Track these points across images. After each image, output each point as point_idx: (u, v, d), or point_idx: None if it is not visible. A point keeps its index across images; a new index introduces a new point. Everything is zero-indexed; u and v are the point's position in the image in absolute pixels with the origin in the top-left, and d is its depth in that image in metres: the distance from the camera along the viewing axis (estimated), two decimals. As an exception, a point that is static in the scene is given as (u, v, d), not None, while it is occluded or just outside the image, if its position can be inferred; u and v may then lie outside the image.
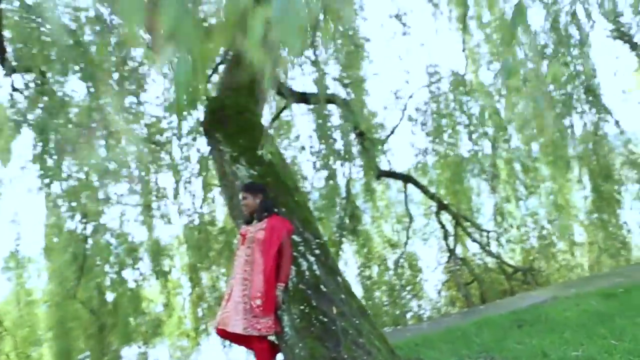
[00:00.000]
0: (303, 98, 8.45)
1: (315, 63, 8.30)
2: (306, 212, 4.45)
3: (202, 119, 6.35)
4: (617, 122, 8.73)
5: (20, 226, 8.86)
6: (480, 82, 9.52)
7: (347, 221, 9.42)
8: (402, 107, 9.69)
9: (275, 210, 3.88)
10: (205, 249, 9.07)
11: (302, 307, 3.56)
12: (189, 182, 8.87)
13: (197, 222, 9.03)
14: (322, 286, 3.73)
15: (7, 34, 6.50)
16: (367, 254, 9.84)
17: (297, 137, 9.53)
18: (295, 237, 3.90)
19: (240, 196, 3.92)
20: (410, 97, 9.73)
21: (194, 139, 8.54)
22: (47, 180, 7.30)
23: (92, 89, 7.21)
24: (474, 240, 9.62)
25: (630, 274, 6.86)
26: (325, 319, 3.50)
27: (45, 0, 6.16)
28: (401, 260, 9.78)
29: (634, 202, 9.12)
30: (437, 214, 9.64)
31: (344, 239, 9.44)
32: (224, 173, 4.70)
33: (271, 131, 7.75)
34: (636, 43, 8.79)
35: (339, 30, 8.28)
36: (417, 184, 9.78)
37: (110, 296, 8.66)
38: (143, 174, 8.76)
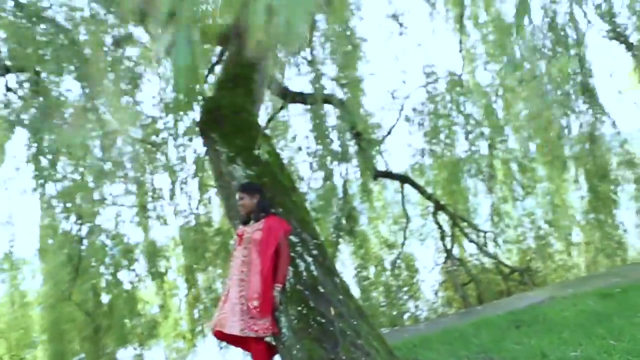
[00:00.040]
0: (300, 98, 8.43)
1: (311, 63, 8.29)
2: (303, 213, 4.42)
3: (198, 119, 6.33)
4: (613, 123, 8.75)
5: (14, 227, 8.77)
6: (477, 83, 9.52)
7: (344, 222, 9.39)
8: (399, 107, 9.68)
9: (273, 210, 3.86)
10: (202, 250, 9.02)
11: (299, 308, 3.53)
12: (185, 183, 8.83)
13: (193, 223, 8.98)
14: (319, 287, 3.70)
15: (1, 33, 6.44)
16: (364, 255, 9.80)
17: (294, 138, 9.51)
18: (293, 238, 3.88)
19: (237, 196, 3.90)
20: (407, 97, 9.73)
21: (190, 140, 8.49)
22: (41, 181, 7.24)
23: (86, 89, 7.17)
24: (471, 241, 9.61)
25: (627, 274, 6.87)
26: (323, 320, 3.47)
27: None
28: (398, 261, 9.75)
29: (630, 202, 9.13)
30: (434, 214, 9.63)
31: (340, 240, 9.40)
32: (220, 173, 4.67)
33: (267, 131, 7.71)
34: (632, 44, 8.81)
35: (335, 30, 8.27)
36: (414, 184, 9.77)
37: (105, 298, 8.59)
38: (139, 174, 8.72)
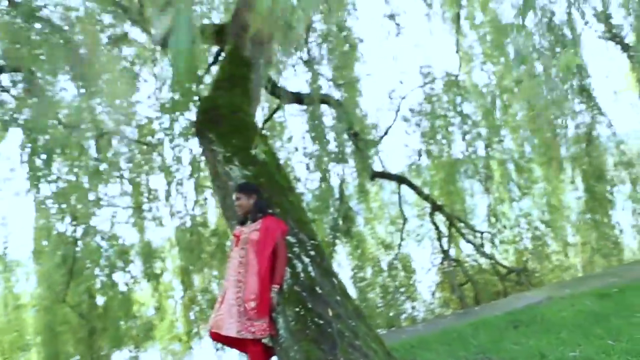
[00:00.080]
0: (296, 98, 8.41)
1: (308, 63, 8.27)
2: (301, 213, 4.39)
3: (194, 119, 6.29)
4: (609, 123, 8.78)
5: (8, 229, 8.70)
6: (474, 84, 9.54)
7: (341, 223, 9.37)
8: (396, 107, 9.67)
9: (270, 211, 3.82)
10: (198, 251, 8.97)
11: (297, 309, 3.49)
12: (181, 184, 8.78)
13: (189, 224, 8.93)
14: (317, 288, 3.66)
15: (-6, 32, 6.38)
16: (361, 256, 9.78)
17: (290, 139, 9.48)
18: (290, 238, 3.84)
19: (234, 197, 3.86)
20: (404, 98, 9.71)
21: (186, 140, 8.45)
22: (36, 182, 7.17)
23: (82, 89, 7.12)
24: (468, 241, 9.61)
25: (623, 274, 6.88)
26: (321, 321, 3.43)
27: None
28: (395, 261, 9.73)
29: (626, 202, 9.17)
30: (431, 215, 9.62)
31: (337, 241, 9.38)
32: (216, 173, 4.63)
33: (264, 132, 7.68)
34: (628, 44, 8.84)
35: (332, 31, 8.26)
36: (411, 185, 9.75)
37: (100, 300, 8.54)
38: (134, 175, 8.67)
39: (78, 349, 8.37)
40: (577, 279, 8.17)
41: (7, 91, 6.70)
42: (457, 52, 9.55)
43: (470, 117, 9.63)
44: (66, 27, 6.43)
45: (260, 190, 3.87)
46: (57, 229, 8.20)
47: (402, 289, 9.65)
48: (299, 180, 9.03)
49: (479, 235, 9.66)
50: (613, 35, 8.73)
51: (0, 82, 6.68)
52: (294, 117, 9.46)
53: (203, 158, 7.93)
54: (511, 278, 9.22)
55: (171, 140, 8.45)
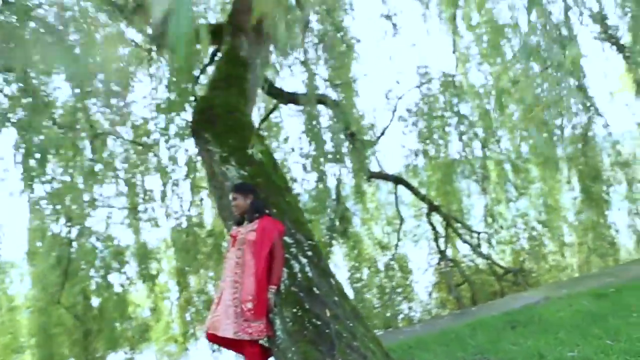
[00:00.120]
0: (293, 99, 8.38)
1: (304, 63, 8.24)
2: (298, 213, 4.36)
3: (190, 119, 6.25)
4: (605, 124, 8.80)
5: (2, 230, 8.61)
6: (471, 84, 9.54)
7: (337, 223, 9.35)
8: (393, 108, 9.67)
9: (267, 211, 3.79)
10: (194, 252, 8.93)
11: (294, 310, 3.47)
12: (177, 185, 8.74)
13: (184, 224, 8.90)
14: (314, 288, 3.64)
15: (-13, 31, 6.31)
16: (358, 256, 9.77)
17: (287, 139, 9.46)
18: (287, 239, 3.82)
19: (231, 197, 3.83)
20: (401, 98, 9.71)
21: (182, 140, 8.40)
22: (30, 183, 7.10)
23: (77, 89, 7.07)
24: (465, 242, 9.61)
25: (620, 274, 6.89)
26: (319, 322, 3.41)
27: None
28: (392, 262, 9.72)
29: (622, 202, 9.19)
30: (428, 215, 9.62)
31: (334, 241, 9.36)
32: (213, 174, 4.60)
33: (260, 132, 7.64)
34: (623, 45, 8.87)
35: (329, 31, 8.24)
36: (407, 185, 9.75)
37: (95, 301, 8.48)
38: (130, 176, 8.61)
39: (73, 351, 8.31)
40: (573, 279, 8.18)
41: (1, 91, 6.62)
42: (453, 52, 9.55)
43: (467, 118, 9.64)
44: (60, 27, 6.38)
45: (256, 191, 3.85)
46: (51, 230, 8.13)
47: (399, 290, 9.64)
48: (295, 180, 9.00)
49: (475, 235, 9.67)
50: (609, 36, 8.75)
51: (-7, 81, 6.61)
52: (290, 118, 9.45)
53: (199, 158, 7.89)
54: (508, 278, 9.23)
55: (167, 141, 8.40)
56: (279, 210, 4.00)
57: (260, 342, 3.50)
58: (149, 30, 7.10)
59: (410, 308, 9.63)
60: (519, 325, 4.93)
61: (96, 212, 8.28)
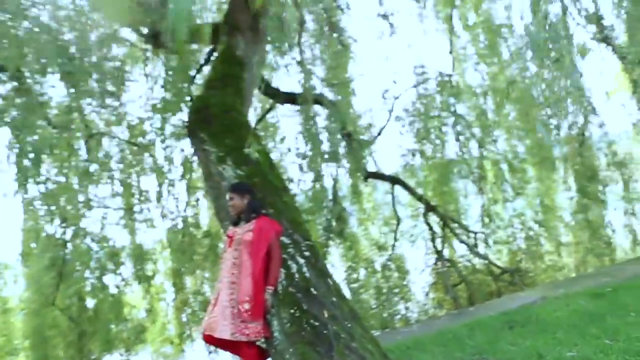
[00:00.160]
0: (289, 98, 8.35)
1: (301, 63, 8.21)
2: (295, 213, 4.33)
3: (186, 119, 6.21)
4: (601, 124, 8.82)
5: (-5, 231, 8.56)
6: (468, 84, 9.54)
7: (334, 224, 9.32)
8: (389, 108, 9.65)
9: (264, 211, 3.76)
10: (190, 253, 8.89)
11: (292, 311, 3.43)
12: (173, 185, 8.70)
13: (180, 225, 8.85)
14: (312, 289, 3.61)
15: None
16: (354, 257, 9.73)
17: (283, 139, 9.42)
18: (284, 239, 3.78)
19: (227, 197, 3.80)
20: (397, 98, 9.69)
21: (178, 141, 8.36)
22: (24, 183, 7.03)
23: (71, 89, 7.01)
24: (462, 242, 9.60)
25: (616, 274, 6.90)
26: (317, 323, 3.38)
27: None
28: (388, 262, 9.70)
29: (618, 202, 9.22)
30: (425, 215, 9.60)
31: (330, 242, 9.32)
32: (209, 174, 4.56)
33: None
34: (619, 45, 8.89)
35: (325, 31, 8.22)
36: (404, 185, 9.73)
37: (90, 302, 8.43)
38: (125, 176, 8.56)
39: (68, 353, 8.25)
40: (570, 279, 8.19)
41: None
42: (450, 52, 9.55)
43: (464, 118, 9.64)
44: (55, 26, 6.33)
45: (253, 190, 3.82)
46: (46, 231, 8.07)
47: (395, 290, 9.61)
48: (291, 181, 8.97)
49: (472, 235, 9.66)
50: (604, 36, 8.77)
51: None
52: (286, 118, 9.40)
53: (195, 159, 7.87)
54: (505, 278, 9.22)
55: (163, 141, 8.36)
56: (276, 210, 3.96)
57: (258, 343, 3.46)
58: (145, 30, 7.06)
59: (407, 308, 9.61)
60: (516, 325, 4.91)
61: (91, 213, 8.24)
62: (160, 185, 8.52)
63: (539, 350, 3.89)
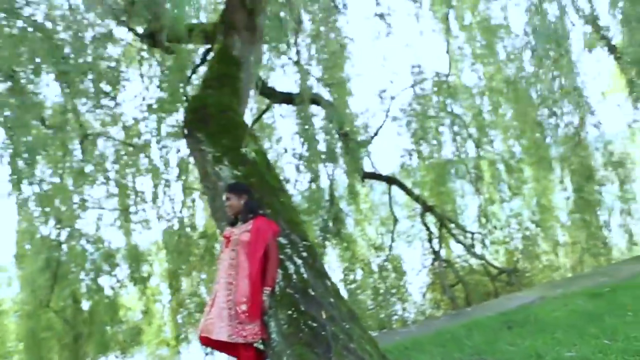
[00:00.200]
0: (286, 99, 8.32)
1: (297, 63, 8.19)
2: (292, 213, 4.30)
3: (182, 120, 6.16)
4: (598, 124, 8.85)
5: (-11, 233, 8.48)
6: (464, 84, 9.55)
7: (331, 224, 9.29)
8: (386, 108, 9.63)
9: (261, 211, 3.73)
10: (186, 254, 8.84)
11: (289, 312, 3.40)
12: (168, 186, 8.66)
13: (176, 226, 8.82)
14: (310, 290, 3.58)
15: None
16: (351, 258, 9.70)
17: (279, 140, 9.39)
18: (282, 239, 3.76)
19: (224, 197, 3.77)
20: (394, 98, 9.67)
21: (174, 141, 8.32)
22: (18, 184, 6.96)
23: (66, 89, 6.96)
24: (459, 242, 9.59)
25: (613, 274, 6.91)
26: (315, 324, 3.35)
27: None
28: (385, 263, 9.67)
29: (614, 202, 9.24)
30: (422, 216, 9.59)
31: (327, 242, 9.30)
32: (206, 174, 4.53)
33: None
34: (614, 46, 8.93)
35: (322, 31, 8.20)
36: (401, 185, 9.71)
37: (86, 304, 8.36)
38: (120, 177, 8.50)
39: (62, 356, 8.18)
40: (567, 279, 8.19)
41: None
42: (447, 52, 9.55)
43: (461, 118, 9.64)
44: (49, 25, 6.28)
45: (250, 190, 3.79)
46: (40, 232, 7.99)
47: (392, 291, 9.58)
48: (288, 181, 8.93)
49: (469, 235, 9.65)
50: (601, 37, 8.80)
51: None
52: (283, 118, 9.37)
53: (191, 159, 7.81)
54: (502, 278, 9.22)
55: (158, 141, 8.32)
56: (273, 211, 3.94)
57: (255, 345, 3.43)
58: (140, 29, 7.01)
59: (404, 309, 9.59)
60: (515, 325, 4.90)
61: (86, 214, 8.17)
62: (156, 186, 8.49)
63: (538, 351, 3.88)
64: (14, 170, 6.68)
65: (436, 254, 9.47)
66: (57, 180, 7.74)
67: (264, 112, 9.16)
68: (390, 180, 9.76)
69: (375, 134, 9.63)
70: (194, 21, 6.96)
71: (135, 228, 8.63)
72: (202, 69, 7.39)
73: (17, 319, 8.74)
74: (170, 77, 7.43)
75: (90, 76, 6.98)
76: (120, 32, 7.42)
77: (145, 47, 7.75)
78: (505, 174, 9.73)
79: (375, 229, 10.35)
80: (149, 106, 8.08)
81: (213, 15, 8.00)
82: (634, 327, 4.00)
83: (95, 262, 8.20)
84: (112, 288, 8.43)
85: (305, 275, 3.66)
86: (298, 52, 8.35)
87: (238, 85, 5.30)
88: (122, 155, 8.51)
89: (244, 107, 5.62)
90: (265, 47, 6.41)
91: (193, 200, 9.12)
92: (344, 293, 8.97)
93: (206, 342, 3.46)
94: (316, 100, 8.27)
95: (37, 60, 6.27)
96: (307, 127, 8.56)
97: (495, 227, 9.79)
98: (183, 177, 8.71)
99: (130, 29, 7.17)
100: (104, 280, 8.32)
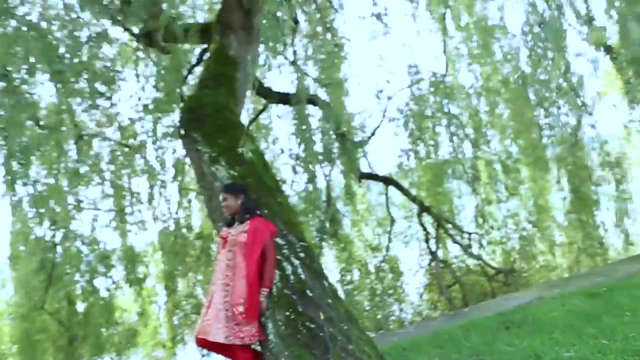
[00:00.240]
0: (282, 99, 8.29)
1: (294, 63, 8.16)
2: (289, 214, 4.28)
3: (178, 120, 6.13)
4: (594, 124, 8.87)
5: (-17, 234, 8.41)
6: (461, 85, 9.54)
7: (328, 225, 9.27)
8: (383, 108, 9.62)
9: (258, 212, 3.69)
10: (182, 255, 8.80)
11: (287, 313, 3.38)
12: (164, 186, 8.61)
13: (172, 227, 8.77)
14: (307, 291, 3.55)
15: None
16: (348, 258, 9.69)
17: (276, 140, 9.36)
18: (279, 240, 3.73)
19: (221, 197, 3.73)
20: (390, 98, 9.66)
21: (170, 142, 8.27)
22: (12, 185, 6.90)
23: (61, 89, 6.91)
24: (456, 242, 9.59)
25: (610, 273, 6.93)
26: (312, 325, 3.32)
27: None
28: (382, 263, 9.66)
29: (610, 202, 9.27)
30: (419, 216, 9.57)
31: (324, 243, 9.28)
32: (202, 174, 4.50)
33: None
34: (610, 46, 8.94)
35: (318, 31, 8.18)
36: (398, 186, 9.70)
37: (81, 306, 8.31)
38: (116, 178, 8.45)
39: (57, 358, 8.12)
40: (564, 279, 8.20)
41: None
42: (443, 52, 9.55)
43: (457, 118, 9.64)
44: (44, 24, 6.23)
45: (247, 191, 3.75)
46: (35, 233, 7.94)
47: (389, 291, 9.57)
48: (284, 182, 8.90)
49: (466, 236, 9.65)
50: (597, 37, 8.80)
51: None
52: (279, 119, 9.35)
53: (187, 160, 7.77)
54: (499, 279, 9.22)
55: (154, 142, 8.26)
56: (271, 211, 3.91)
57: (252, 346, 3.40)
58: (136, 29, 6.97)
59: (401, 310, 9.57)
60: (513, 325, 4.89)
61: (81, 215, 8.13)
62: (151, 186, 8.44)
63: (537, 351, 3.87)
64: (8, 171, 6.62)
65: (433, 254, 9.45)
66: (52, 181, 7.69)
67: (261, 112, 9.13)
68: (387, 181, 9.74)
69: (372, 135, 9.62)
70: (190, 21, 6.94)
71: (130, 229, 8.60)
72: (199, 69, 7.35)
73: (11, 321, 8.67)
74: (166, 77, 7.39)
75: (85, 76, 6.93)
76: (116, 31, 7.39)
77: (141, 46, 7.69)
78: (502, 174, 9.74)
79: (372, 229, 10.34)
80: (145, 106, 8.03)
81: (209, 15, 7.96)
82: (632, 327, 4.00)
83: (91, 264, 8.15)
84: (108, 289, 8.38)
85: (302, 276, 3.63)
86: (295, 52, 8.33)
87: (234, 85, 5.27)
88: (117, 155, 8.47)
89: (240, 107, 5.59)
90: (261, 47, 6.38)
91: (189, 201, 9.09)
92: (340, 294, 8.94)
93: (203, 343, 3.43)
94: (313, 100, 8.24)
95: (32, 59, 6.22)
96: (303, 127, 8.52)
97: (492, 228, 9.79)
98: (179, 178, 8.67)
99: (126, 29, 7.12)
100: (100, 282, 8.28)
